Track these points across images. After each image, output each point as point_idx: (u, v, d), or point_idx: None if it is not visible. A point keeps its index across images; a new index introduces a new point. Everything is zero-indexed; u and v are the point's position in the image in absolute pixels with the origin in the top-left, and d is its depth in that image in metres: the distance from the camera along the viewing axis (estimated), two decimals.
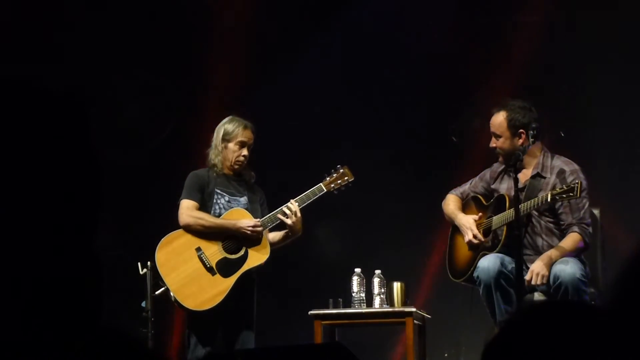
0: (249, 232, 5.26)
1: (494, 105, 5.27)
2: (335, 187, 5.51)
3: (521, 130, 5.12)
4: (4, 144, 1.22)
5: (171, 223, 5.47)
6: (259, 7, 6.85)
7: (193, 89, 6.95)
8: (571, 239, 5.03)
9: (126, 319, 5.36)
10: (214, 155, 5.39)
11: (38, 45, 6.47)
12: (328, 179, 5.51)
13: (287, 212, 5.34)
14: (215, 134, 5.43)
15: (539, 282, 4.88)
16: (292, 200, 5.38)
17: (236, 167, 5.39)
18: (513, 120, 5.14)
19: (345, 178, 5.54)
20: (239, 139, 5.36)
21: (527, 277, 4.87)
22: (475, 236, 5.22)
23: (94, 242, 1.29)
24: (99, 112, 6.29)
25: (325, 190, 5.47)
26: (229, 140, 5.36)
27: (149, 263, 5.21)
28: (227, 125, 5.41)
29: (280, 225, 5.42)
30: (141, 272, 5.22)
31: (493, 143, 5.23)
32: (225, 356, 5.12)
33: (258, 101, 6.77)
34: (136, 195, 6.63)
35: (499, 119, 5.20)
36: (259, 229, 5.27)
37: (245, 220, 5.29)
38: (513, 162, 4.91)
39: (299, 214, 5.34)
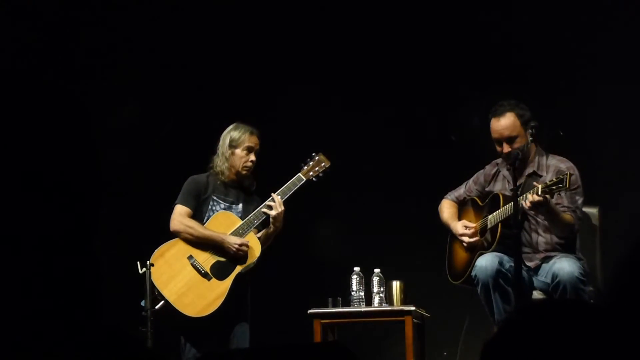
0: (233, 250, 5.27)
1: (493, 112, 5.21)
2: (314, 175, 5.53)
3: (532, 124, 5.12)
4: (4, 141, 1.23)
5: (169, 223, 5.47)
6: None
7: (192, 88, 6.95)
8: (566, 214, 5.02)
9: (125, 319, 5.35)
10: (221, 162, 5.42)
11: (38, 44, 6.47)
12: (305, 167, 5.53)
13: (272, 204, 5.35)
14: (221, 142, 5.46)
15: (529, 202, 4.82)
16: (273, 194, 5.39)
17: (244, 172, 5.42)
18: (524, 116, 5.12)
19: (322, 164, 5.57)
20: (246, 144, 5.41)
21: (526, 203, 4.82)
22: (471, 236, 5.25)
23: (94, 242, 1.29)
24: (98, 111, 6.28)
25: (304, 179, 5.49)
26: (236, 146, 5.41)
27: (148, 262, 5.21)
28: (233, 132, 5.44)
29: (263, 224, 5.43)
30: (140, 272, 5.22)
31: (507, 148, 5.12)
32: (223, 355, 5.11)
33: (253, 102, 6.78)
34: (135, 194, 6.63)
35: (510, 120, 5.11)
36: (245, 249, 5.29)
37: (233, 238, 5.30)
38: (512, 161, 4.90)
39: (283, 206, 5.35)
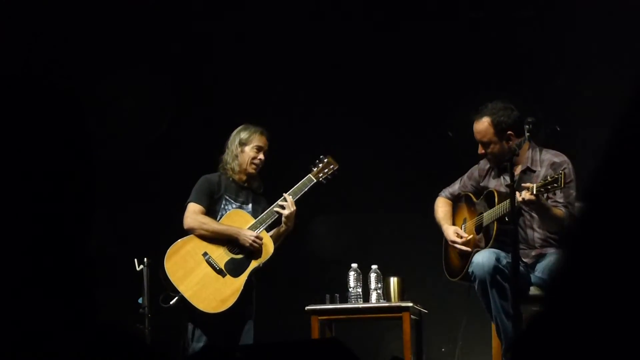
0: (249, 242, 5.34)
1: (474, 112, 5.23)
2: (323, 177, 5.64)
3: (510, 132, 5.10)
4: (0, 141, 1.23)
5: (168, 220, 5.48)
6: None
7: (191, 85, 6.95)
8: (557, 210, 5.01)
9: (123, 316, 5.36)
10: (230, 160, 5.53)
11: (35, 42, 6.47)
12: (315, 169, 5.64)
13: (284, 204, 5.43)
14: (230, 140, 5.57)
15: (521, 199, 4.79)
16: (285, 194, 5.47)
17: (251, 170, 5.51)
18: (499, 124, 5.11)
19: (331, 166, 5.68)
20: (256, 143, 5.52)
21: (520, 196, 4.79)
22: (462, 244, 5.26)
23: (89, 240, 1.29)
24: (95, 108, 6.28)
25: (315, 180, 5.61)
26: (246, 144, 5.52)
27: (145, 259, 5.23)
28: (243, 132, 5.57)
29: (274, 224, 5.49)
30: (137, 269, 5.24)
31: (481, 150, 5.19)
32: (223, 350, 5.11)
33: (251, 101, 6.78)
34: (132, 192, 6.63)
35: (483, 125, 5.14)
36: (260, 242, 5.34)
37: (248, 232, 5.36)
38: (509, 158, 4.90)
39: (294, 206, 5.44)
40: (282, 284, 6.55)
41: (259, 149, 5.51)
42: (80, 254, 1.29)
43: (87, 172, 1.30)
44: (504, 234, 4.98)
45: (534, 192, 4.75)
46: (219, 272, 5.32)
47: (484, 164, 5.40)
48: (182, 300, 5.20)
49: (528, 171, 5.15)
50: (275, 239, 5.48)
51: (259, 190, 5.59)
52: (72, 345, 1.24)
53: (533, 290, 5.08)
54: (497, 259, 4.95)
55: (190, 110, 6.86)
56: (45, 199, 1.24)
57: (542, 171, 5.09)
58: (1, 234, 1.22)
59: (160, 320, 5.33)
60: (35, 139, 1.26)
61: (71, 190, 1.27)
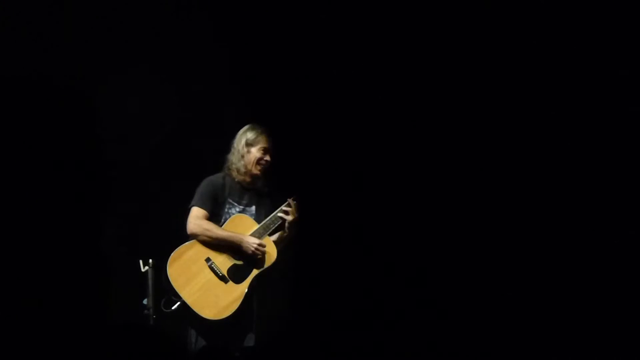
0: (252, 249, 5.32)
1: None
2: None
3: None
4: (9, 141, 1.27)
5: (171, 221, 5.47)
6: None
7: (192, 85, 6.95)
8: None
9: (127, 317, 5.36)
10: (236, 160, 5.52)
11: (38, 42, 6.47)
12: None
13: (288, 209, 5.42)
14: (237, 139, 5.56)
15: None
16: (290, 199, 5.45)
17: (256, 171, 5.50)
18: None
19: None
20: (262, 144, 5.51)
21: None
22: None
23: (101, 240, 1.35)
24: (101, 108, 6.27)
25: None
26: (252, 144, 5.51)
27: (150, 260, 5.23)
28: (249, 133, 5.55)
29: (277, 228, 5.48)
30: (142, 270, 5.23)
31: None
32: (221, 350, 5.09)
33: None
34: (136, 193, 6.63)
35: None
36: (263, 249, 5.35)
37: (251, 239, 5.37)
38: None
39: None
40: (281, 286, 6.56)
41: (265, 150, 5.50)
42: (94, 253, 1.34)
43: (97, 174, 1.35)
44: None
45: None
46: (222, 278, 5.29)
47: None
48: (184, 306, 5.21)
49: None
50: (277, 243, 5.47)
51: (264, 189, 5.56)
52: (85, 342, 1.28)
53: None
54: None
55: (194, 110, 6.85)
56: (57, 198, 1.29)
57: None
58: (14, 234, 1.27)
59: (164, 321, 5.33)
60: (47, 141, 1.30)
61: (82, 191, 1.32)
